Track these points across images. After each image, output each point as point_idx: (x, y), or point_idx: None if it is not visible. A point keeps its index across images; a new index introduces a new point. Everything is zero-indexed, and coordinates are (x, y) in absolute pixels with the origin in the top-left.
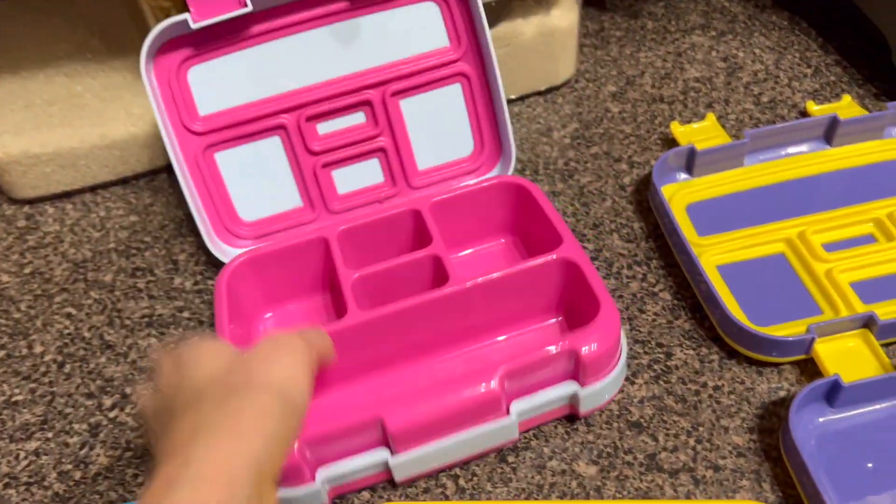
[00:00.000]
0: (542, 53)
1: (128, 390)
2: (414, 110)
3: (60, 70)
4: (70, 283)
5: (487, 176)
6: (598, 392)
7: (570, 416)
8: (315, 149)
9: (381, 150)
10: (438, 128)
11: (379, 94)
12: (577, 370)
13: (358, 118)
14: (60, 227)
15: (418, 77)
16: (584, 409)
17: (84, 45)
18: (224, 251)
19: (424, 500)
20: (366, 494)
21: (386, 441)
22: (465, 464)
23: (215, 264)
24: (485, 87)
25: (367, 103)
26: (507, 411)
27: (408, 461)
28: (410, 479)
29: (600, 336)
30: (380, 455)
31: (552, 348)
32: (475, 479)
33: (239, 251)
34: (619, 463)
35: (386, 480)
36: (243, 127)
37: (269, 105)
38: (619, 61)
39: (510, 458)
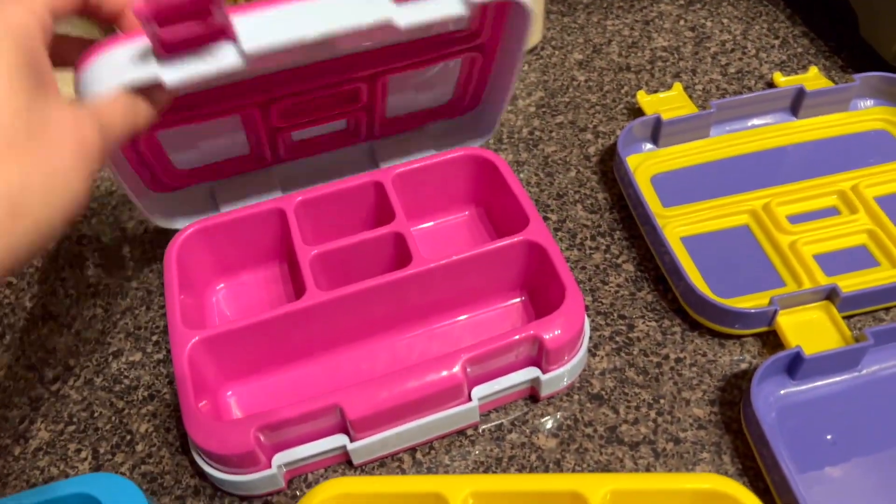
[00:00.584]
0: None
1: (71, 362)
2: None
3: None
4: None
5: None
6: (559, 376)
7: (531, 396)
8: (278, 125)
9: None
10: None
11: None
12: (540, 356)
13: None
14: None
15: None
16: (544, 392)
17: None
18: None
19: (380, 475)
20: (321, 470)
21: (345, 427)
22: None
23: (165, 233)
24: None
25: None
26: (469, 397)
27: (366, 446)
28: (369, 461)
29: (564, 324)
30: (338, 440)
31: (516, 336)
32: (433, 452)
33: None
34: (579, 436)
35: (344, 462)
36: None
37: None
38: (585, 29)
39: (469, 432)
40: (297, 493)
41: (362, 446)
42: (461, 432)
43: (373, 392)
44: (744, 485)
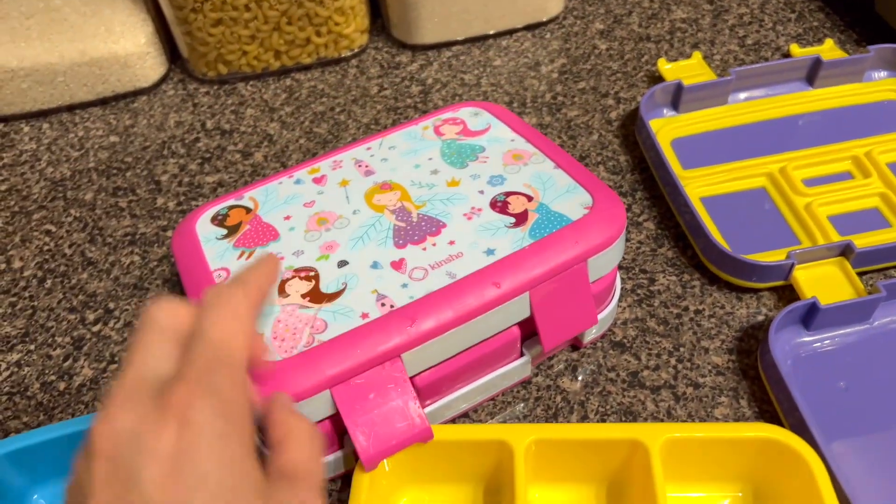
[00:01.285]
0: None
1: (111, 305)
2: None
3: None
4: (48, 200)
5: None
6: (599, 324)
7: (573, 346)
8: None
9: None
10: None
11: None
12: None
13: None
14: (37, 145)
15: None
16: (585, 340)
17: None
18: None
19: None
20: None
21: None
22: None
23: (199, 187)
24: None
25: None
26: (521, 353)
27: (431, 413)
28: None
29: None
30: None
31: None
32: None
33: None
34: (602, 380)
35: None
36: None
37: None
38: (606, 0)
39: None
40: None
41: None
42: None
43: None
44: None
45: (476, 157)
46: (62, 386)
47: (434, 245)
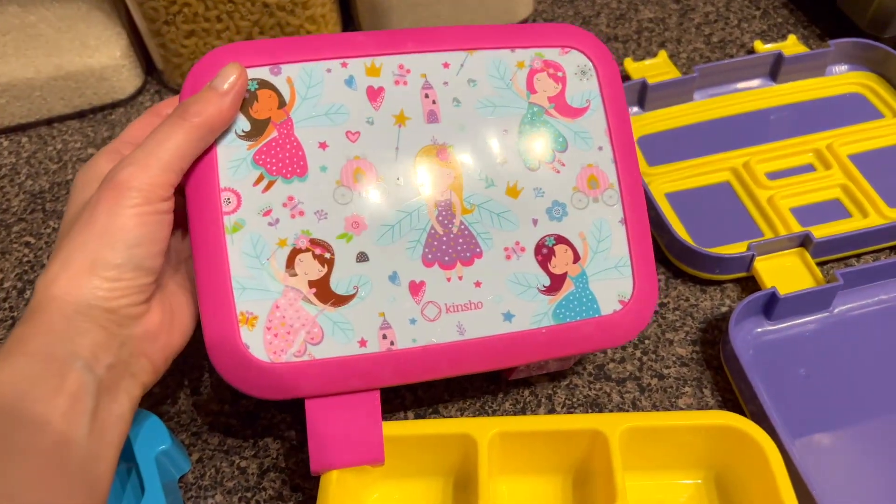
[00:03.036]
0: None
1: None
2: None
3: None
4: (28, 213)
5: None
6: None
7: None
8: None
9: None
10: None
11: None
12: None
13: None
14: (16, 159)
15: None
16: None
17: None
18: None
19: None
20: None
21: None
22: None
23: None
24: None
25: None
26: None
27: None
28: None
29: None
30: None
31: None
32: (432, 389)
33: None
34: (569, 373)
35: None
36: None
37: None
38: (575, 2)
39: None
40: None
41: None
42: None
43: None
44: None
45: (553, 157)
46: None
47: (460, 279)
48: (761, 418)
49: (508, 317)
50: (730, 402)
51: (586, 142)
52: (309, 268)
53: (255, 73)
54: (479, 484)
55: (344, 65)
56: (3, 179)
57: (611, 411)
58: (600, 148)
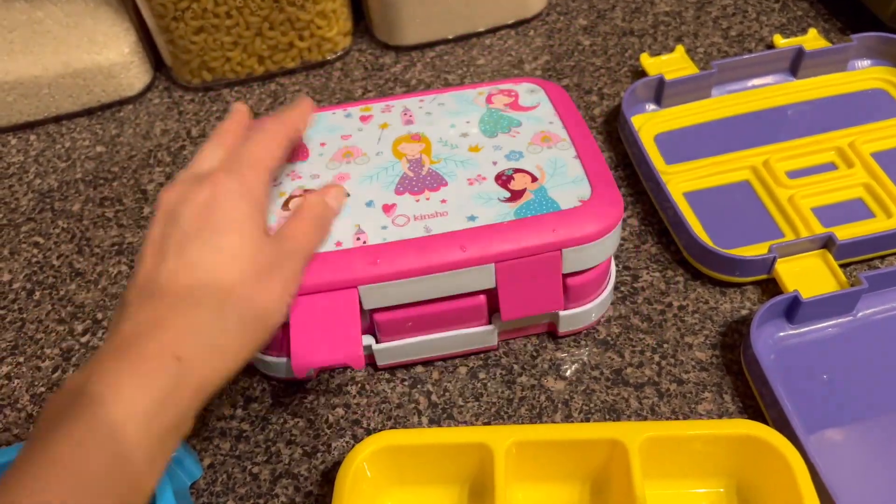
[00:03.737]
0: None
1: (99, 316)
2: None
3: None
4: (36, 212)
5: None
6: (578, 316)
7: (550, 332)
8: None
9: None
10: None
11: None
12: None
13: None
14: (24, 157)
15: None
16: (562, 329)
17: None
18: None
19: (425, 428)
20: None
21: (372, 329)
22: (444, 359)
23: None
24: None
25: None
26: (489, 321)
27: (389, 349)
28: (390, 365)
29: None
30: (365, 340)
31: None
32: (447, 394)
33: None
34: (586, 378)
35: (368, 364)
36: None
37: None
38: None
39: (481, 375)
40: (324, 387)
41: (385, 349)
42: (473, 376)
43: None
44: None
45: (509, 130)
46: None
47: (427, 199)
48: (783, 425)
49: (472, 218)
50: (751, 407)
51: (538, 121)
52: (299, 204)
53: None
54: (496, 493)
55: (346, 109)
56: (12, 178)
57: (629, 417)
58: (551, 122)
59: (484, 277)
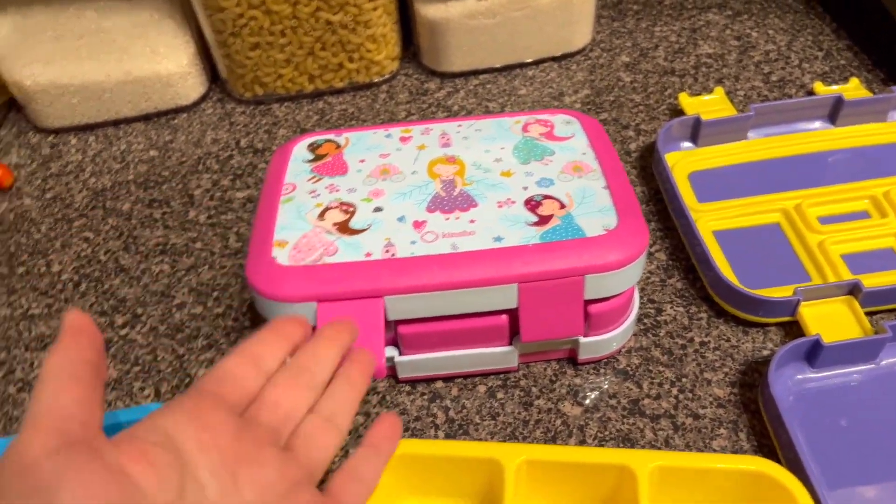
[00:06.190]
0: (559, 20)
1: (139, 311)
2: None
3: (90, 5)
4: (89, 209)
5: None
6: (598, 343)
7: (570, 358)
8: None
9: None
10: None
11: None
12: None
13: None
14: (83, 157)
15: None
16: (582, 356)
17: None
18: None
19: (437, 439)
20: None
21: (396, 342)
22: (464, 376)
23: (229, 202)
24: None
25: None
26: (510, 342)
27: (412, 362)
28: (411, 379)
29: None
30: (388, 352)
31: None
32: (465, 411)
33: None
34: (602, 406)
35: (390, 376)
36: None
37: None
38: (634, 33)
39: (499, 395)
40: None
41: (408, 362)
42: (492, 395)
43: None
44: None
45: (542, 159)
46: None
47: (457, 219)
48: (797, 467)
49: (498, 239)
50: (765, 447)
51: (571, 150)
52: (335, 216)
53: (325, 136)
54: None
55: (387, 130)
56: (69, 176)
57: (642, 447)
58: (584, 153)
59: (507, 297)
